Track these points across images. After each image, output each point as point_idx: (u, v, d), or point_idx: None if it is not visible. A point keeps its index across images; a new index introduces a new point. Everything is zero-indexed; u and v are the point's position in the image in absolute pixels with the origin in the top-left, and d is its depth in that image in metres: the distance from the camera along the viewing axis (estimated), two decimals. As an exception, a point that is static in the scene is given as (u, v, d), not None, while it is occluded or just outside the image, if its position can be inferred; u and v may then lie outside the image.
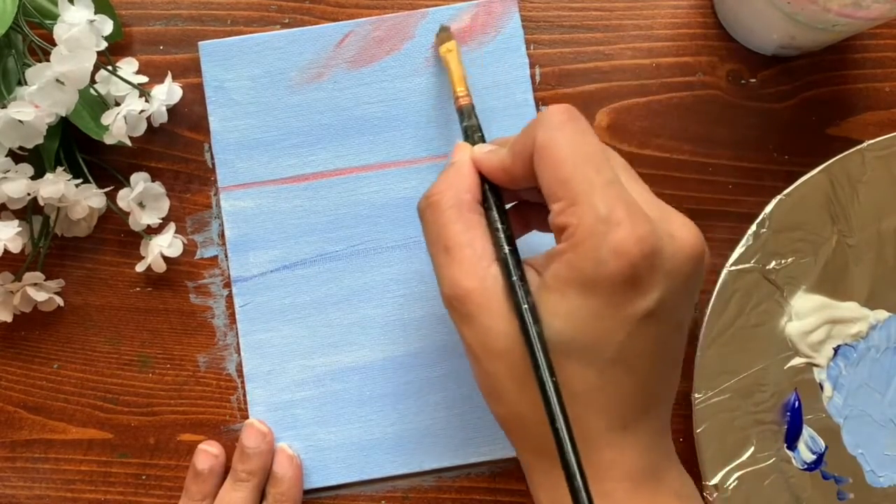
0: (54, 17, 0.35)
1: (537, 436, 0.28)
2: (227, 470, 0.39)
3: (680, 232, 0.28)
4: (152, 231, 0.40)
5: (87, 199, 0.38)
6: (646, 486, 0.28)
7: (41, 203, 0.37)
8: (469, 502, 0.40)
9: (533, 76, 0.41)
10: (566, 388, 0.27)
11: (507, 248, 0.29)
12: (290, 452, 0.39)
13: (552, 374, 0.26)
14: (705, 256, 0.28)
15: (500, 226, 0.30)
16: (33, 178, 0.37)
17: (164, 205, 0.40)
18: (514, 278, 0.28)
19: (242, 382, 0.40)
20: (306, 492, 0.40)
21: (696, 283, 0.29)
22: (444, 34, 0.39)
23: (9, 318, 0.40)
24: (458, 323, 0.29)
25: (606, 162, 0.28)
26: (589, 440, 0.27)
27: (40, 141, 0.36)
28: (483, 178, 0.31)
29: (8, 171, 0.36)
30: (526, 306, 0.27)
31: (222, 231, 0.40)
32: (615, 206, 0.26)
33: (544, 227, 0.33)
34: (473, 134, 0.34)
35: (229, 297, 0.40)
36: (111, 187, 0.39)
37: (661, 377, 0.29)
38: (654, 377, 0.28)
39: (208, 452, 0.39)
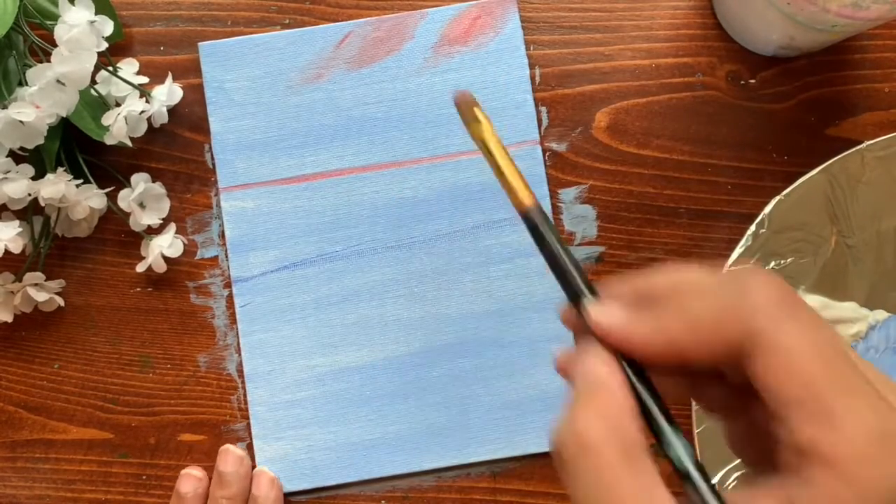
0: (55, 17, 0.35)
1: None
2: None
3: None
4: (153, 231, 0.40)
5: (87, 200, 0.38)
6: None
7: (42, 203, 0.37)
8: (469, 502, 0.40)
9: (533, 76, 0.41)
10: None
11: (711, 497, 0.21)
12: (271, 475, 0.39)
13: None
14: None
15: (694, 466, 0.21)
16: (34, 178, 0.37)
17: (165, 205, 0.40)
18: None
19: (243, 382, 0.40)
20: (305, 492, 0.40)
21: None
22: (466, 107, 0.27)
23: (9, 319, 0.40)
24: None
25: (851, 360, 0.21)
26: None
27: (41, 141, 0.36)
28: (617, 352, 0.23)
29: (9, 171, 0.36)
30: None
31: (222, 231, 0.41)
32: (887, 421, 0.20)
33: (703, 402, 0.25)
34: (578, 278, 0.24)
35: (229, 298, 0.40)
36: (112, 188, 0.39)
37: None
38: None
39: (192, 476, 0.39)
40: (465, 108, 0.28)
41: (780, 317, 0.21)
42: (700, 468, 0.21)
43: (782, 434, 0.21)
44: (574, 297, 0.24)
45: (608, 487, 0.21)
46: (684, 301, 0.22)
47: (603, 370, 0.22)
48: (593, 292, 0.24)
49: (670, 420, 0.22)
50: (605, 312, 0.23)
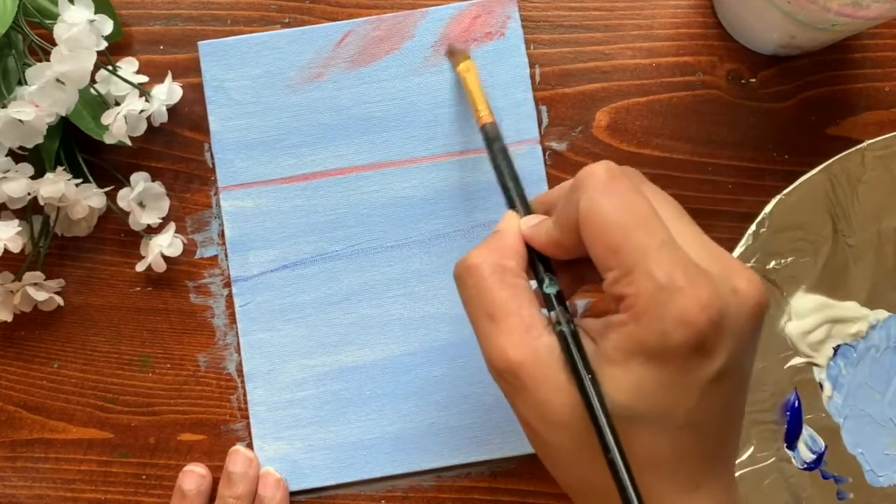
0: (54, 16, 0.35)
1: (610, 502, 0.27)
2: (213, 490, 0.39)
3: (743, 286, 0.26)
4: (152, 231, 0.40)
5: (87, 199, 0.38)
6: None
7: (41, 203, 0.37)
8: (469, 502, 0.40)
9: (533, 76, 0.41)
10: (633, 458, 0.25)
11: (565, 324, 0.27)
12: (277, 476, 0.39)
13: (626, 462, 0.25)
14: (768, 306, 0.27)
15: (554, 296, 0.28)
16: (33, 177, 0.37)
17: (164, 204, 0.40)
18: (578, 359, 0.26)
19: (242, 382, 0.40)
20: (305, 492, 0.40)
21: (759, 335, 0.28)
22: (458, 55, 0.39)
23: (9, 318, 0.40)
24: (510, 394, 0.27)
25: (657, 221, 0.26)
26: None
27: (40, 140, 0.36)
28: (529, 247, 0.30)
29: (8, 170, 0.36)
30: (594, 395, 0.26)
31: (222, 231, 0.40)
32: (673, 271, 0.25)
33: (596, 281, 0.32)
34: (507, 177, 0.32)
35: (229, 297, 0.40)
36: (111, 187, 0.39)
37: (731, 433, 0.28)
38: (724, 434, 0.27)
39: (195, 473, 0.39)
40: (456, 54, 0.39)
41: (596, 193, 0.26)
42: (560, 297, 0.28)
43: (605, 287, 0.26)
44: (510, 204, 0.32)
45: (485, 291, 0.28)
46: (556, 207, 0.28)
47: (502, 226, 0.30)
48: (523, 200, 0.31)
49: (549, 270, 0.29)
50: (528, 221, 0.30)
